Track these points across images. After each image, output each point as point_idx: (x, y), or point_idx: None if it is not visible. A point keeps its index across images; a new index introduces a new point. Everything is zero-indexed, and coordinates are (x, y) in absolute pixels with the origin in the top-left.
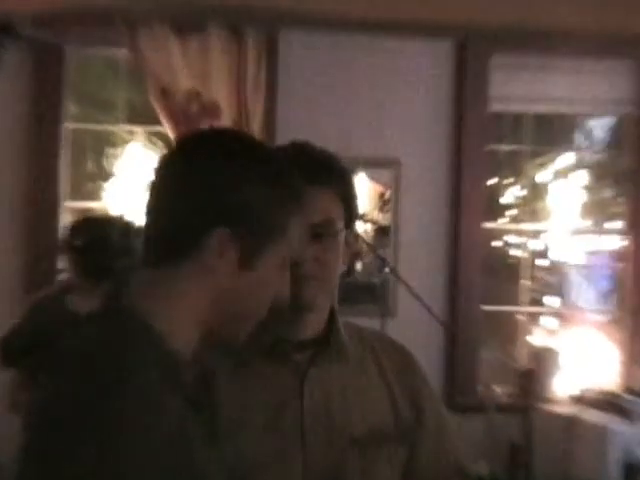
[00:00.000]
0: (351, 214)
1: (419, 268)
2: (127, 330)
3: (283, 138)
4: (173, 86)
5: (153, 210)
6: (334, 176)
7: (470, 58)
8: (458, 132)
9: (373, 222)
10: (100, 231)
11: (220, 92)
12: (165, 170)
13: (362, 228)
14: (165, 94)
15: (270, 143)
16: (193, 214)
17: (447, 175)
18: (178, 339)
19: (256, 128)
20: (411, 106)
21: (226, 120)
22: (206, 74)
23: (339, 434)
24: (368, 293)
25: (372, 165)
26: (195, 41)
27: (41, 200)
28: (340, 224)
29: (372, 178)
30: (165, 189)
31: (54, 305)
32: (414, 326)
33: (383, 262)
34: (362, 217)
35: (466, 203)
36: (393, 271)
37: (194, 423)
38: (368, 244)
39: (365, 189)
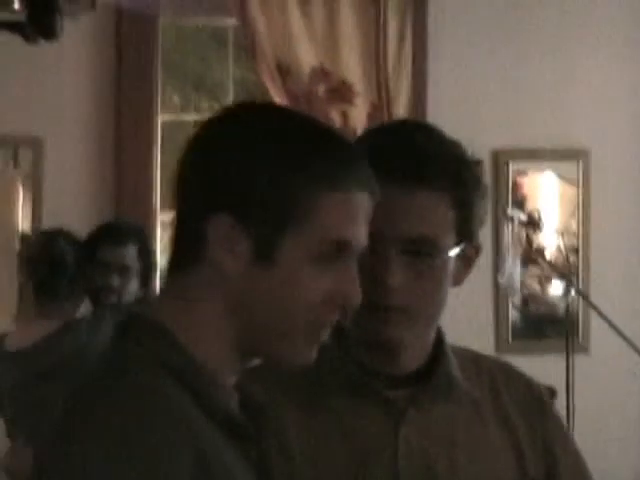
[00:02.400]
0: (469, 224)
1: (616, 290)
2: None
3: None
4: (294, 63)
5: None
6: (444, 173)
7: None
8: None
9: (561, 234)
10: (36, 243)
11: (353, 69)
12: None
13: (550, 244)
14: (284, 73)
15: None
16: (192, 200)
17: None
18: (205, 356)
19: (401, 114)
20: (599, 73)
21: (362, 104)
22: (335, 46)
23: None
24: (551, 324)
25: (551, 158)
26: (320, 5)
27: (131, 211)
28: (445, 240)
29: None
30: (177, 177)
31: None
32: (611, 365)
33: (569, 283)
34: (542, 226)
35: None
36: (582, 295)
37: (231, 450)
38: (549, 262)
39: (551, 190)
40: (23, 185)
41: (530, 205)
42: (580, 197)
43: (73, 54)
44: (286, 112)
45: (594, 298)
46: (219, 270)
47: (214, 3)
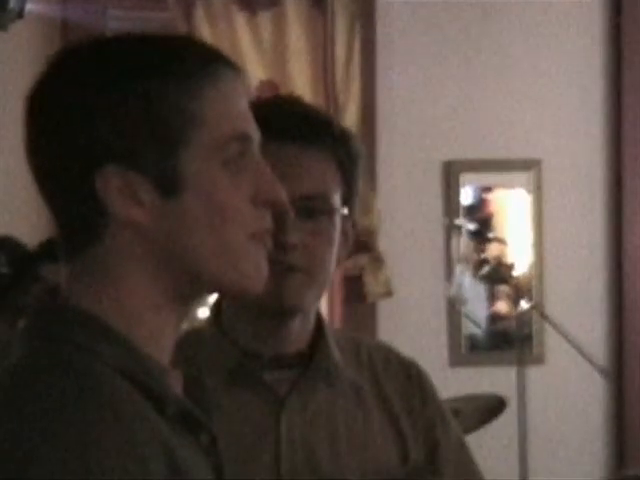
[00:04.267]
0: (351, 190)
1: (570, 301)
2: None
3: (386, 138)
4: None
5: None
6: (331, 136)
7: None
8: (618, 115)
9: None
10: None
11: (302, 82)
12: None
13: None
14: None
15: (369, 144)
16: (65, 168)
17: (604, 177)
18: (145, 338)
19: (350, 125)
20: (553, 83)
21: None
22: (283, 60)
23: None
24: (508, 336)
25: (501, 168)
26: (268, 18)
27: None
28: (335, 199)
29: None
30: (34, 152)
31: None
32: (566, 375)
33: (521, 295)
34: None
35: (632, 214)
36: (535, 306)
37: (189, 450)
38: (495, 274)
39: (505, 201)
40: None
41: (487, 216)
42: (532, 208)
43: (16, 67)
44: (117, 38)
45: (548, 309)
46: (130, 226)
47: (162, 16)
